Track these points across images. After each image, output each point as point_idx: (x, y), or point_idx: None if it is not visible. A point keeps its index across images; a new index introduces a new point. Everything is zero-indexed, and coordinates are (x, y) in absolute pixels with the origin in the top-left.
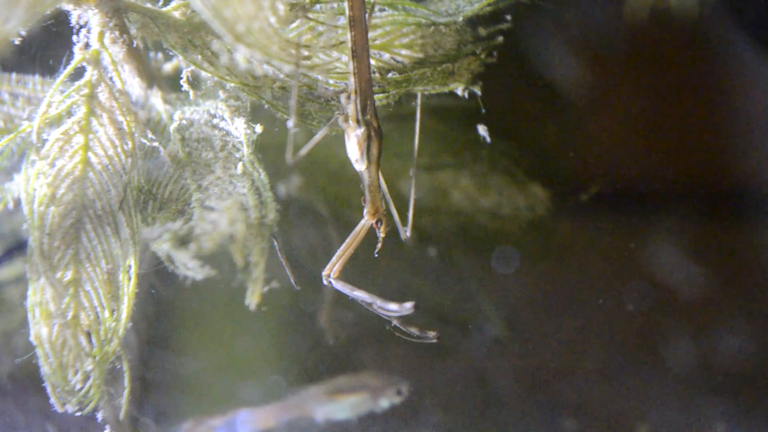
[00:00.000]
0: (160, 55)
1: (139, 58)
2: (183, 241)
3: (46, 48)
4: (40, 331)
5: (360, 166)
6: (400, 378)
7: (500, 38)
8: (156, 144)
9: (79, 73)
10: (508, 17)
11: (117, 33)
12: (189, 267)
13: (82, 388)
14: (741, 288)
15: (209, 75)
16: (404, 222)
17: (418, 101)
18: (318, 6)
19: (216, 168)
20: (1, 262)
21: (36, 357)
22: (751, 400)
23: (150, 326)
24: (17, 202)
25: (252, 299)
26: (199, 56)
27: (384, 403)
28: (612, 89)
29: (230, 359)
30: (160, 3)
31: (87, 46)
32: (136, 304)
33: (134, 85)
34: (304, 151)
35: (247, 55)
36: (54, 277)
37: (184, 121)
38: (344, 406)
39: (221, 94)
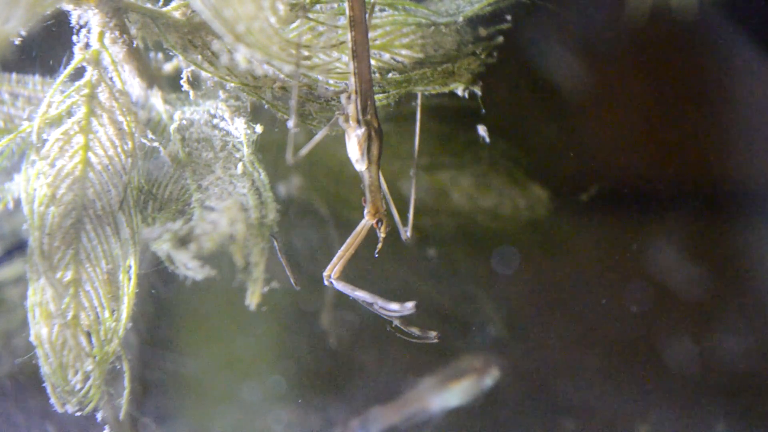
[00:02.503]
0: (160, 55)
1: (139, 58)
2: (183, 241)
3: (46, 48)
4: (40, 331)
5: (360, 166)
6: (487, 355)
7: (500, 38)
8: (156, 144)
9: (79, 73)
10: (508, 17)
11: (117, 33)
12: (189, 267)
13: (82, 388)
14: (741, 288)
15: (209, 75)
16: (404, 222)
17: (419, 101)
18: (318, 6)
19: (216, 168)
20: (1, 262)
21: (36, 357)
22: (751, 400)
23: (150, 326)
24: (17, 202)
25: (252, 299)
26: (200, 56)
27: (488, 381)
28: (612, 89)
29: (230, 359)
30: (160, 3)
31: (87, 46)
32: (136, 304)
33: (134, 86)
34: (304, 152)
35: (248, 55)
36: (54, 277)
37: (184, 121)
38: (456, 392)
39: (221, 94)
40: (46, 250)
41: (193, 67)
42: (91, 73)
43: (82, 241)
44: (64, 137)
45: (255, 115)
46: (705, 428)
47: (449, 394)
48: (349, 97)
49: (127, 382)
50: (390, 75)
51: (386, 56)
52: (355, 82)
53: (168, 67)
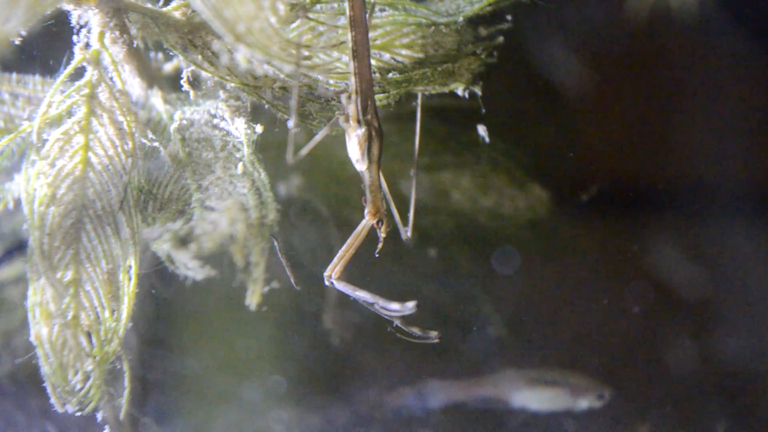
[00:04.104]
0: (160, 55)
1: (139, 58)
2: (183, 241)
3: (46, 48)
4: (40, 331)
5: (361, 166)
6: (602, 381)
7: (501, 38)
8: (156, 144)
9: (79, 73)
10: (509, 17)
11: (117, 33)
12: (189, 267)
13: (82, 388)
14: (741, 288)
15: (210, 75)
16: (405, 222)
17: (419, 101)
18: (318, 6)
19: (216, 168)
20: (1, 262)
21: (36, 357)
22: (751, 400)
23: (150, 326)
24: (17, 202)
25: (252, 299)
26: (200, 56)
27: (583, 403)
28: (612, 89)
29: (230, 359)
30: (161, 3)
31: (87, 46)
32: (137, 304)
33: (134, 85)
34: (304, 152)
35: (248, 55)
36: (54, 277)
37: (184, 121)
38: (542, 398)
39: (221, 94)
40: (46, 250)
41: (193, 67)
42: (91, 73)
43: (82, 241)
44: (64, 137)
45: (255, 115)
46: (705, 428)
47: (534, 396)
48: (349, 97)
49: (127, 382)
50: (390, 75)
51: (386, 56)
52: (355, 82)
53: (168, 67)
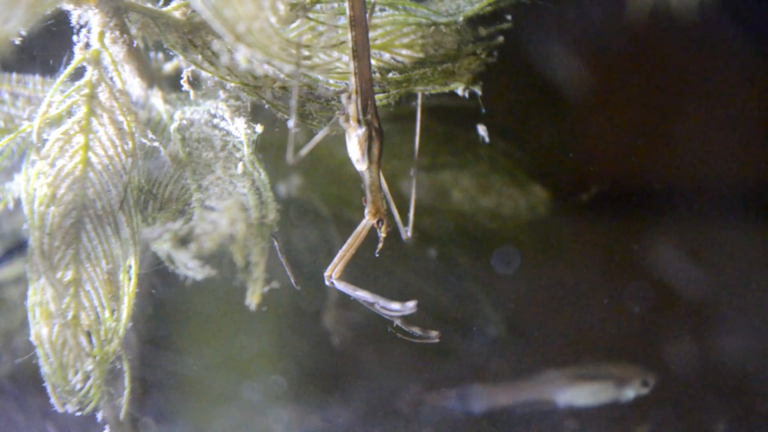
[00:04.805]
0: (160, 55)
1: (139, 58)
2: (183, 241)
3: (46, 48)
4: (40, 331)
5: (361, 166)
6: (645, 368)
7: (501, 38)
8: (156, 144)
9: (79, 73)
10: (509, 17)
11: (117, 33)
12: (189, 267)
13: (82, 388)
14: (741, 288)
15: (210, 75)
16: (405, 222)
17: (419, 101)
18: (318, 6)
19: (216, 168)
20: (1, 262)
21: (36, 357)
22: (751, 400)
23: (150, 326)
24: (17, 202)
25: (252, 299)
26: (200, 56)
27: (629, 393)
28: (612, 89)
29: (230, 359)
30: (161, 3)
31: (87, 46)
32: (137, 304)
33: (134, 85)
34: (304, 151)
35: (248, 55)
36: (54, 277)
37: (184, 121)
38: (586, 393)
39: (221, 94)
40: (46, 249)
41: (193, 67)
42: (91, 73)
43: (83, 241)
44: (64, 137)
45: (255, 114)
46: (705, 428)
47: (577, 393)
48: (349, 97)
49: (127, 382)
50: (390, 75)
51: (386, 56)
52: (355, 81)
53: (168, 67)
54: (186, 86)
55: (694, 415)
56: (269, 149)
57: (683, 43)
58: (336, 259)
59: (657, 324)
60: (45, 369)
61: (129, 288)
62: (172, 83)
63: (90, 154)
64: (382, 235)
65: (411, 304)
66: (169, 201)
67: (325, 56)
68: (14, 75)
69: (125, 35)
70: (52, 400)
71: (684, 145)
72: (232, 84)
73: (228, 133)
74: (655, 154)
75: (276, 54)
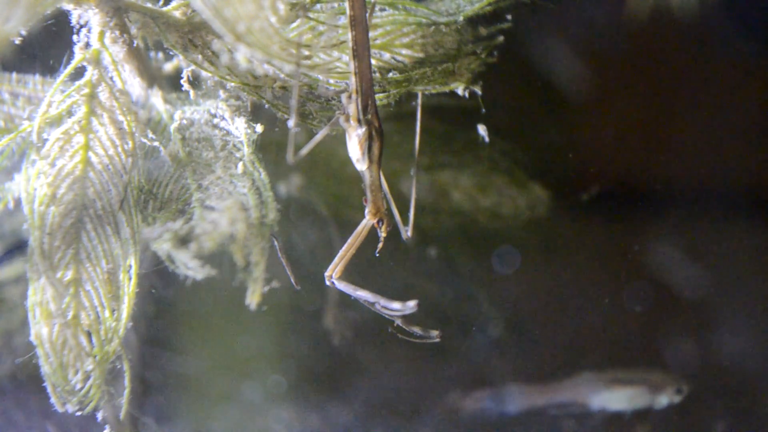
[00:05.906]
0: (160, 55)
1: (139, 57)
2: (183, 240)
3: (46, 48)
4: (40, 330)
5: (361, 165)
6: (678, 376)
7: (501, 38)
8: (156, 144)
9: (79, 72)
10: (509, 17)
11: (117, 33)
12: (189, 267)
13: (82, 388)
14: (741, 288)
15: (210, 75)
16: (405, 222)
17: (419, 101)
18: (318, 5)
19: (216, 168)
20: (1, 262)
21: (36, 357)
22: (751, 400)
23: (150, 326)
24: (17, 202)
25: (252, 299)
26: (200, 56)
27: (663, 400)
28: (612, 89)
29: (230, 359)
30: (161, 3)
31: (87, 45)
32: (137, 303)
33: (135, 85)
34: (304, 151)
35: (248, 54)
36: (54, 276)
37: (184, 121)
38: (621, 398)
39: (222, 93)
40: (46, 249)
41: (193, 67)
42: (91, 73)
43: (83, 240)
44: (64, 137)
45: (255, 114)
46: (705, 428)
47: (613, 397)
48: (349, 97)
49: (127, 382)
50: (390, 74)
51: (387, 56)
52: (355, 81)
53: (168, 67)
54: (186, 86)
55: (694, 415)
56: (269, 149)
57: (683, 43)
58: (336, 259)
59: (657, 324)
60: (45, 369)
61: (129, 288)
62: (172, 83)
63: (90, 153)
64: (383, 234)
65: (412, 304)
66: (169, 201)
67: (326, 56)
68: (14, 75)
69: (125, 35)
70: (52, 399)
71: (684, 144)
72: (232, 84)
73: (228, 133)
74: (655, 154)
75: (276, 54)
